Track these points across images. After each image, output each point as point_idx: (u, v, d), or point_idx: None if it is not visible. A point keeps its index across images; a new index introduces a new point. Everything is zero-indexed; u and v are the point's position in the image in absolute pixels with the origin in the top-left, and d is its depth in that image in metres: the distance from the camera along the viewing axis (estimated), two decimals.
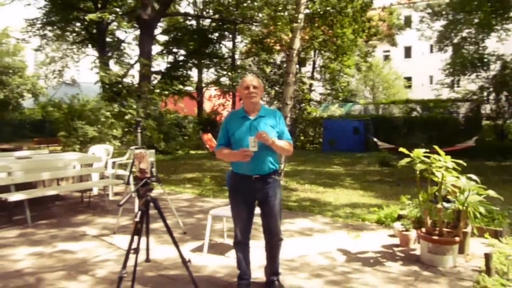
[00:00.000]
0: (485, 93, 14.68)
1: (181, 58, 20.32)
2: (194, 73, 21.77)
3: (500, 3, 11.75)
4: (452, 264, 3.58)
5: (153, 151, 6.25)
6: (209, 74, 22.79)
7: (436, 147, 3.89)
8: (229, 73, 19.53)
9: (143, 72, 13.34)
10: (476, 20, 13.66)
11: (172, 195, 6.72)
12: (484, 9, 12.25)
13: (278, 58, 18.80)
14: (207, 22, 20.28)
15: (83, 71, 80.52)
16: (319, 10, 11.10)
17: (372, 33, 15.46)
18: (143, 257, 3.08)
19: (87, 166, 6.55)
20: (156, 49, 19.81)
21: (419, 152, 3.70)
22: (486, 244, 4.11)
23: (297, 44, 7.97)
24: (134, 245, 2.71)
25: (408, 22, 22.59)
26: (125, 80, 14.17)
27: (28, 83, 28.38)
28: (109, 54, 18.66)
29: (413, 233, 4.14)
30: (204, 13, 20.08)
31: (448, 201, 3.96)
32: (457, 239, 3.61)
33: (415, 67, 31.30)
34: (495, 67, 14.49)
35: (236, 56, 21.26)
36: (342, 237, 4.51)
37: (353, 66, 20.84)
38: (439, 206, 3.71)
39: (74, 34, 20.41)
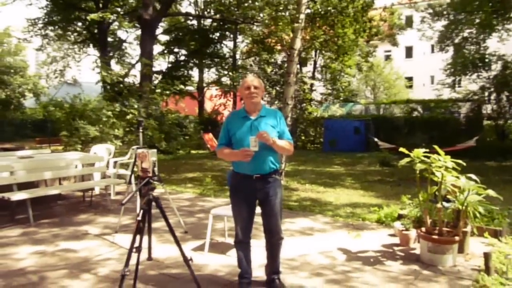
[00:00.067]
0: (486, 93, 14.69)
1: (182, 58, 20.37)
2: (195, 73, 21.86)
3: (501, 3, 11.76)
4: (451, 263, 3.59)
5: (155, 150, 6.29)
6: (210, 74, 22.87)
7: (436, 147, 3.90)
8: (230, 73, 19.57)
9: (145, 72, 13.38)
10: (477, 20, 13.67)
11: (173, 194, 6.74)
12: (485, 9, 12.25)
13: (279, 58, 18.82)
14: (208, 22, 20.32)
15: (84, 71, 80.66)
16: (320, 10, 11.12)
17: (373, 33, 15.46)
18: (145, 255, 3.11)
19: (89, 165, 6.58)
20: (157, 48, 19.91)
21: (418, 152, 3.72)
22: (486, 243, 4.13)
23: (298, 44, 7.99)
24: (136, 244, 2.73)
25: (409, 22, 22.62)
26: (126, 80, 14.21)
27: (30, 82, 28.45)
28: (111, 54, 18.71)
29: (413, 233, 4.16)
30: (205, 13, 20.13)
31: (448, 200, 3.98)
32: (456, 238, 3.63)
33: (416, 67, 31.29)
34: (496, 67, 14.49)
35: (237, 56, 21.30)
36: (343, 236, 4.53)
37: (354, 66, 20.84)
38: (438, 205, 3.73)
39: (76, 34, 20.47)
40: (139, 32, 17.57)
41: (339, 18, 11.28)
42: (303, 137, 17.50)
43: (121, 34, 23.73)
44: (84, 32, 19.67)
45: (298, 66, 16.64)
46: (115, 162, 7.32)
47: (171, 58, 20.75)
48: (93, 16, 13.48)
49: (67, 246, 4.14)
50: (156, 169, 2.88)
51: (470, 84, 15.33)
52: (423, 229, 3.83)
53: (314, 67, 20.32)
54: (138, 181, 2.94)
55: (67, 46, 23.11)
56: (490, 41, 14.96)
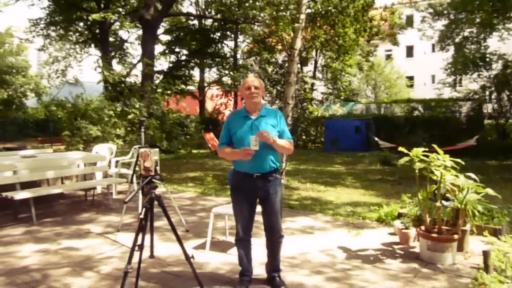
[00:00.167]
0: (487, 93, 14.68)
1: (184, 57, 20.40)
2: (196, 72, 21.90)
3: (501, 2, 11.75)
4: (451, 261, 3.62)
5: (157, 149, 6.33)
6: (211, 74, 22.92)
7: (435, 146, 3.93)
8: (231, 73, 19.59)
9: (146, 71, 13.41)
10: (477, 20, 13.66)
11: (174, 193, 6.78)
12: (486, 9, 12.24)
13: (280, 57, 18.84)
14: (209, 22, 20.35)
15: (86, 71, 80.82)
16: (320, 10, 11.12)
17: (374, 32, 15.45)
18: (147, 253, 3.14)
19: (91, 165, 6.62)
20: (158, 48, 19.95)
21: (418, 151, 3.75)
22: (485, 242, 4.15)
23: (298, 44, 8.01)
24: (138, 242, 2.76)
25: (409, 21, 22.61)
26: (127, 79, 14.24)
27: (32, 82, 28.56)
28: (112, 54, 18.75)
29: (412, 231, 4.19)
30: (206, 13, 20.17)
31: (447, 199, 4.01)
32: (455, 236, 3.66)
33: (417, 66, 31.28)
34: (496, 66, 14.49)
35: (238, 56, 21.33)
36: (343, 235, 4.56)
37: (355, 66, 20.86)
38: (438, 204, 3.75)
39: (77, 34, 20.52)
40: (140, 32, 17.60)
41: (340, 18, 11.28)
42: (304, 137, 17.52)
43: (122, 34, 23.78)
44: (86, 32, 19.73)
45: (299, 65, 16.66)
46: (117, 162, 7.37)
47: (172, 58, 20.79)
48: (95, 16, 13.53)
49: (69, 245, 4.19)
50: (158, 168, 2.91)
51: (471, 83, 15.32)
52: (423, 227, 3.86)
53: (315, 67, 20.35)
54: (141, 179, 2.97)
55: (68, 46, 23.17)
56: (491, 40, 14.96)
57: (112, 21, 16.39)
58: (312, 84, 19.21)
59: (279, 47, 17.04)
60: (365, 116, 17.13)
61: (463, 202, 3.67)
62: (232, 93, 20.17)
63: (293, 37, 8.33)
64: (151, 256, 3.20)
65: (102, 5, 16.30)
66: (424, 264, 3.62)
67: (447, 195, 3.94)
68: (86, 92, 12.09)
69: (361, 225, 4.98)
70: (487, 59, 14.48)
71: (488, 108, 14.83)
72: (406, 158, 3.82)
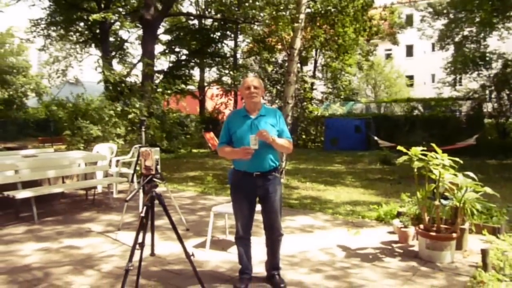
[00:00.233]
0: (486, 92, 14.69)
1: (184, 57, 20.43)
2: (196, 72, 21.93)
3: (501, 1, 11.76)
4: (449, 259, 3.64)
5: (158, 149, 6.35)
6: (211, 73, 22.94)
7: (433, 144, 3.95)
8: (231, 72, 19.62)
9: (146, 71, 13.43)
10: (477, 19, 13.66)
11: (175, 193, 6.81)
12: (485, 8, 12.25)
13: (280, 57, 18.87)
14: (209, 21, 20.38)
15: (86, 70, 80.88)
16: (320, 9, 11.15)
17: (374, 32, 15.49)
18: (148, 252, 3.17)
19: (91, 164, 6.65)
20: (158, 48, 19.98)
21: (416, 150, 3.77)
22: (484, 240, 4.17)
23: (298, 43, 8.03)
24: (139, 240, 2.79)
25: (409, 20, 22.61)
26: (128, 79, 14.26)
27: (32, 82, 28.58)
28: (112, 53, 18.77)
29: (411, 230, 4.21)
30: (206, 12, 20.19)
31: (446, 198, 4.03)
32: (454, 235, 3.68)
33: (417, 66, 31.29)
34: (496, 65, 14.49)
35: (238, 55, 21.36)
36: (342, 233, 4.58)
37: (355, 65, 20.88)
38: (436, 203, 3.78)
39: (78, 34, 20.55)
40: (140, 32, 17.64)
41: (339, 17, 11.30)
42: (304, 136, 17.54)
43: (122, 34, 23.79)
44: (86, 32, 19.76)
45: (299, 65, 16.67)
46: (118, 161, 7.40)
47: (173, 57, 20.82)
48: (95, 16, 13.54)
49: (70, 243, 4.21)
50: (159, 167, 2.94)
51: (471, 82, 15.32)
52: (422, 226, 3.88)
53: (315, 66, 20.37)
54: (142, 178, 2.99)
55: (69, 46, 23.20)
56: (491, 40, 14.96)
57: (112, 21, 16.42)
58: (312, 84, 19.23)
59: (279, 46, 17.06)
60: (365, 115, 17.15)
61: (461, 201, 3.69)
62: (232, 92, 20.20)
63: (292, 36, 8.35)
64: (152, 253, 3.23)
65: (102, 5, 16.33)
66: (423, 262, 3.65)
67: (446, 194, 3.96)
68: (87, 92, 12.10)
69: (361, 224, 5.01)
70: (487, 58, 14.48)
71: (488, 107, 14.84)
72: (404, 157, 3.84)
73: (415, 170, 3.79)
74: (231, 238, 3.94)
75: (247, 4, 16.68)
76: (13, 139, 19.96)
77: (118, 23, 16.99)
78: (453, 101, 15.93)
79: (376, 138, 12.21)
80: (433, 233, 3.71)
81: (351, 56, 17.87)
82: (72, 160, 6.29)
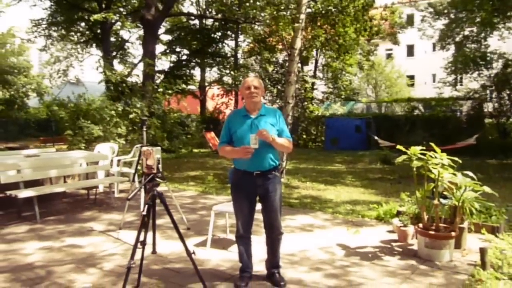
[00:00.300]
0: (487, 91, 14.70)
1: (184, 57, 20.48)
2: (197, 72, 21.97)
3: (501, 1, 11.76)
4: (448, 258, 3.67)
5: (159, 148, 6.38)
6: (212, 73, 22.98)
7: (432, 144, 3.98)
8: (232, 72, 19.64)
9: (147, 71, 13.47)
10: (478, 19, 13.67)
11: (176, 192, 6.83)
12: (486, 8, 12.26)
13: (281, 57, 18.90)
14: (210, 21, 20.42)
15: (87, 70, 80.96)
16: (321, 9, 11.18)
17: (374, 31, 15.51)
18: (149, 250, 3.20)
19: (93, 164, 6.68)
20: (159, 48, 20.02)
21: (415, 150, 3.79)
22: (483, 239, 4.20)
23: (298, 43, 8.06)
24: (141, 238, 2.82)
25: (410, 20, 22.62)
26: (129, 79, 14.30)
27: (33, 82, 28.64)
28: (113, 53, 18.82)
29: (411, 229, 4.24)
30: (207, 12, 20.22)
31: (445, 197, 4.05)
32: (453, 234, 3.71)
33: (418, 66, 31.27)
34: (497, 65, 14.50)
35: (239, 55, 21.38)
36: (342, 232, 4.61)
37: (355, 65, 20.88)
38: (435, 202, 3.80)
39: (79, 34, 20.62)
40: (141, 32, 17.69)
41: (340, 17, 11.34)
42: (304, 136, 17.57)
43: (123, 34, 23.90)
44: (87, 32, 19.81)
45: (299, 65, 16.70)
46: (119, 161, 7.43)
47: (173, 57, 20.89)
48: (96, 16, 13.59)
49: (72, 242, 4.25)
50: (160, 166, 2.97)
51: (471, 82, 15.33)
52: (421, 225, 3.91)
53: (315, 66, 20.38)
54: (143, 177, 3.02)
55: (70, 46, 23.23)
56: (491, 40, 14.97)
57: (113, 21, 16.45)
58: (313, 84, 19.25)
59: (280, 46, 17.10)
60: (366, 115, 17.17)
61: (460, 200, 3.72)
62: (233, 92, 20.22)
63: (293, 36, 8.38)
64: (153, 251, 3.26)
65: (103, 6, 16.37)
66: (422, 261, 3.67)
67: (445, 193, 3.99)
68: (88, 91, 12.14)
69: (360, 223, 5.03)
70: (488, 58, 14.49)
71: (489, 107, 14.85)
72: (404, 157, 3.87)
73: (414, 169, 3.82)
74: (232, 237, 3.97)
75: (247, 4, 16.71)
76: (14, 139, 20.02)
77: (119, 23, 17.05)
78: (454, 101, 15.95)
79: (376, 138, 12.23)
80: (432, 232, 3.74)
81: (352, 56, 17.88)
82: (74, 160, 6.33)
